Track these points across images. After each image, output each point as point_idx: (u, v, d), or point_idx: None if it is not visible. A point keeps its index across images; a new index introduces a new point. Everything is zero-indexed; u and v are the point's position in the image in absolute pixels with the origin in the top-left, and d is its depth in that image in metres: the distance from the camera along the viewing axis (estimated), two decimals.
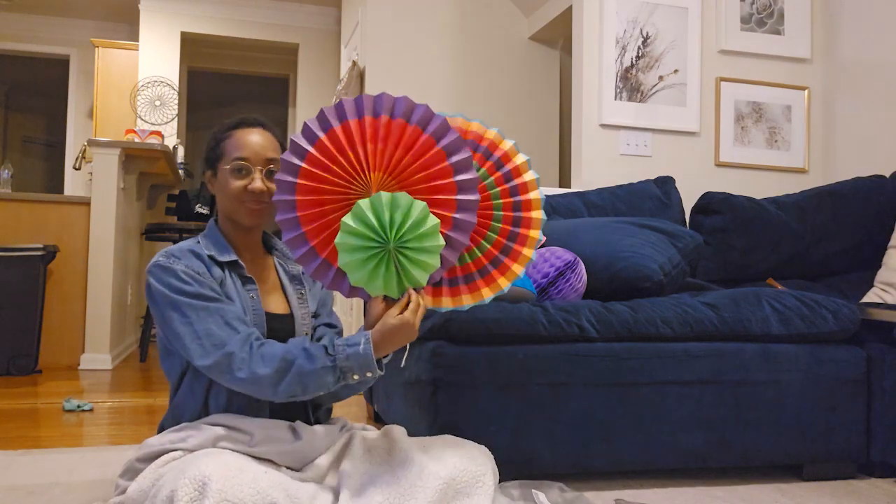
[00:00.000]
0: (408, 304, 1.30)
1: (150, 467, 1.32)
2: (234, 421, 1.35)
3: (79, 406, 2.91)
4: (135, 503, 1.28)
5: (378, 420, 2.51)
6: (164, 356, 1.47)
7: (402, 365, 1.46)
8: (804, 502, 1.84)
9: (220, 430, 1.33)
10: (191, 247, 1.44)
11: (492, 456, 1.43)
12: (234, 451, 1.30)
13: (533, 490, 1.62)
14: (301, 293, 1.55)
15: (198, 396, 1.41)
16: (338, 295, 3.41)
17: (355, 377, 1.32)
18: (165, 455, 1.33)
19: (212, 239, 1.48)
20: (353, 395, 1.50)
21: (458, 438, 1.45)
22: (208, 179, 1.51)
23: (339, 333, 1.57)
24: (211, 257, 1.43)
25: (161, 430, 1.46)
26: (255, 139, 1.44)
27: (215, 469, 1.16)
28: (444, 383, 1.80)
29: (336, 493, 1.32)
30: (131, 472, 1.37)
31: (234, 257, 1.45)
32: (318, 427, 1.44)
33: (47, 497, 1.77)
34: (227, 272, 1.44)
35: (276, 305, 1.50)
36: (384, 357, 1.36)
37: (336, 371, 1.30)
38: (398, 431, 1.47)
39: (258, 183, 1.42)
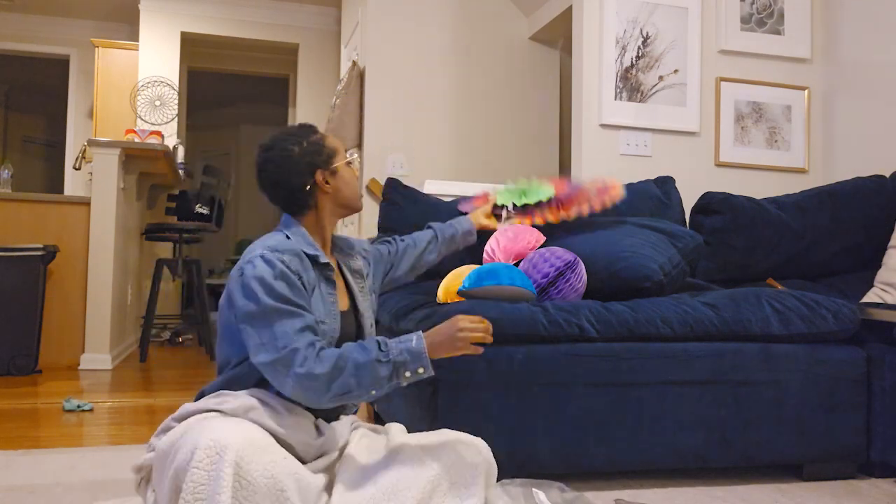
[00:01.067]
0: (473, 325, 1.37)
1: (182, 424, 1.33)
2: (270, 399, 1.36)
3: (79, 406, 2.91)
4: (163, 454, 1.29)
5: (378, 420, 2.51)
6: (226, 340, 1.46)
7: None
8: (804, 502, 1.84)
9: (254, 401, 1.34)
10: (289, 244, 1.44)
11: (488, 448, 1.44)
12: (261, 425, 1.31)
13: (533, 489, 1.62)
14: (362, 287, 1.61)
15: (255, 375, 1.42)
16: None
17: (407, 374, 1.34)
18: (199, 415, 1.34)
19: (301, 237, 1.50)
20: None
21: (454, 431, 1.46)
22: (322, 179, 1.52)
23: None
24: (310, 257, 1.46)
25: (200, 397, 1.47)
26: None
27: (241, 441, 1.19)
28: (444, 383, 1.81)
29: (335, 489, 1.34)
30: (165, 431, 1.38)
31: (326, 259, 1.49)
32: (335, 424, 1.47)
33: (47, 497, 1.77)
34: (318, 273, 1.47)
35: (343, 303, 1.55)
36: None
37: (390, 365, 1.32)
38: (395, 427, 1.49)
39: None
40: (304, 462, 1.37)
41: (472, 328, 1.35)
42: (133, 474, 1.42)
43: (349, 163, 1.57)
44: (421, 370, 1.34)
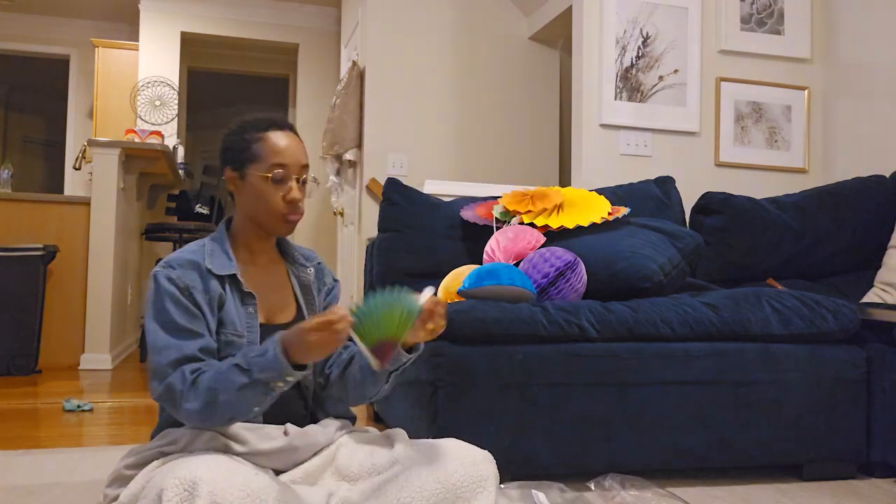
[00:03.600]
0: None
1: (141, 473, 1.29)
2: (225, 428, 1.32)
3: (79, 406, 2.91)
4: None
5: (378, 420, 2.51)
6: None
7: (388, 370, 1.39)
8: (804, 502, 1.84)
9: (210, 433, 1.30)
10: (192, 255, 1.39)
11: (494, 461, 1.42)
12: (226, 451, 1.27)
13: (532, 490, 1.62)
14: (310, 302, 1.50)
15: None
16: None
17: (280, 384, 1.25)
18: (156, 461, 1.30)
19: (218, 245, 1.42)
20: (374, 393, 1.44)
21: (460, 442, 1.42)
22: (230, 179, 1.41)
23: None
24: (209, 271, 1.37)
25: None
26: (292, 145, 1.39)
27: (206, 471, 1.13)
28: (444, 383, 1.80)
29: (329, 496, 1.30)
30: (120, 481, 1.33)
31: (233, 271, 1.39)
32: (309, 428, 1.40)
33: (47, 497, 1.77)
34: (226, 286, 1.38)
35: (284, 314, 1.45)
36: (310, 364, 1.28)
37: (258, 385, 1.23)
38: (399, 434, 1.46)
39: (296, 193, 1.38)
40: (282, 471, 1.33)
41: (322, 335, 1.20)
42: None
43: (277, 179, 1.36)
44: (290, 378, 1.24)
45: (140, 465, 1.32)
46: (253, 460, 1.29)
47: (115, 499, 1.31)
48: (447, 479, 1.31)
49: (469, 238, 2.56)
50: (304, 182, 1.41)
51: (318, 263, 1.56)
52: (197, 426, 1.29)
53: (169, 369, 1.27)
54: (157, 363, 1.29)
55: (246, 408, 1.26)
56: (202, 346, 1.31)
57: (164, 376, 1.27)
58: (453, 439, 1.43)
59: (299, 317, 1.46)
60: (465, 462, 1.35)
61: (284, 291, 1.49)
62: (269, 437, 1.33)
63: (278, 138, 1.39)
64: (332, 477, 1.37)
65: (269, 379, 1.23)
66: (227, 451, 1.28)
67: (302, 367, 1.24)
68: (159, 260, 1.40)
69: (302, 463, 1.36)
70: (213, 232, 1.51)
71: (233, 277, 1.39)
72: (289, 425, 1.37)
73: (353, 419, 1.55)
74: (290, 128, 1.44)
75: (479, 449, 1.40)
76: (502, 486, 1.63)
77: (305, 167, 1.42)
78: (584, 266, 2.12)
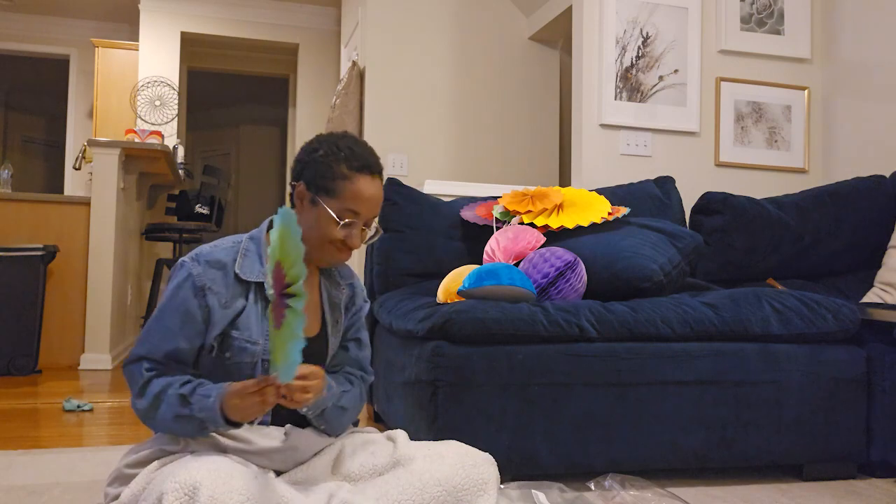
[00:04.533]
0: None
1: (142, 472, 1.29)
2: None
3: (79, 406, 2.91)
4: None
5: (378, 420, 2.51)
6: None
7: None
8: (804, 502, 1.84)
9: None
10: (223, 254, 1.36)
11: (495, 463, 1.42)
12: (225, 450, 1.28)
13: (533, 490, 1.62)
14: (337, 320, 1.48)
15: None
16: None
17: (212, 429, 1.27)
18: (156, 461, 1.30)
19: (255, 246, 1.39)
20: (348, 422, 1.45)
21: (461, 444, 1.42)
22: (299, 193, 1.37)
23: (362, 348, 1.55)
24: (236, 275, 1.35)
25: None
26: (374, 195, 1.36)
27: (206, 475, 1.13)
28: (444, 383, 1.80)
29: (330, 497, 1.30)
30: (121, 479, 1.33)
31: (261, 279, 1.35)
32: (310, 428, 1.40)
33: (47, 497, 1.77)
34: (251, 292, 1.36)
35: (308, 329, 1.39)
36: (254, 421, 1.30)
37: (194, 421, 1.26)
38: (401, 436, 1.46)
39: (357, 240, 1.36)
40: (282, 472, 1.33)
41: (249, 402, 1.22)
42: None
43: (346, 224, 1.34)
44: (221, 428, 1.26)
45: (141, 464, 1.32)
46: (253, 460, 1.30)
47: (116, 498, 1.31)
48: (448, 481, 1.31)
49: (469, 238, 2.56)
50: (368, 225, 1.39)
51: (352, 283, 1.53)
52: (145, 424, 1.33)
53: (135, 358, 1.33)
54: (136, 346, 1.34)
55: (181, 432, 1.30)
56: (171, 352, 1.32)
57: (131, 360, 1.33)
58: (454, 441, 1.43)
59: (322, 333, 1.45)
60: (466, 464, 1.35)
61: (312, 306, 1.45)
62: (269, 436, 1.33)
63: (366, 186, 1.35)
64: (333, 477, 1.37)
65: (204, 420, 1.26)
66: (227, 450, 1.29)
67: (237, 424, 1.27)
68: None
69: (302, 463, 1.36)
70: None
71: (260, 285, 1.37)
72: (290, 426, 1.37)
73: (355, 421, 1.55)
74: (380, 173, 1.40)
75: (479, 451, 1.40)
76: (502, 486, 1.63)
77: (376, 216, 1.40)
78: (584, 266, 2.12)
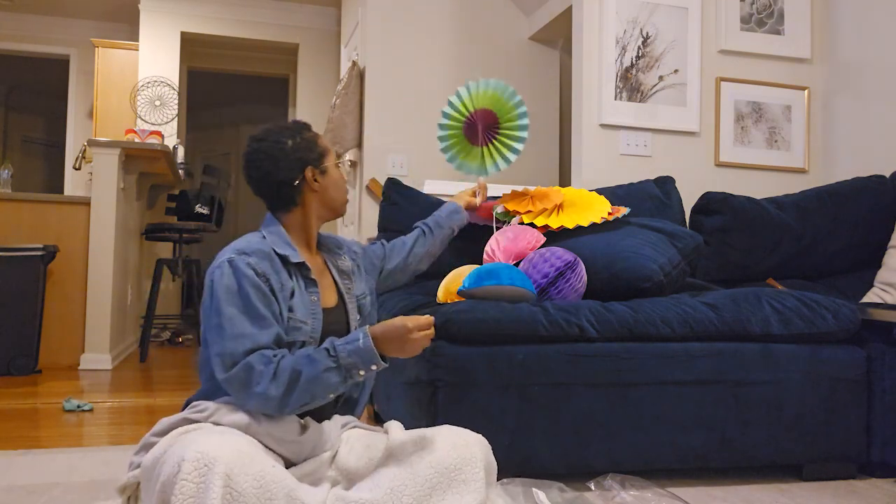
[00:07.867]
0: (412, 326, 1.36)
1: (164, 438, 1.32)
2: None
3: (79, 406, 2.91)
4: (148, 469, 1.27)
5: (378, 420, 2.51)
6: (206, 346, 1.45)
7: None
8: (804, 502, 1.84)
9: (232, 409, 1.35)
10: (261, 244, 1.44)
11: (487, 443, 1.44)
12: (246, 430, 1.31)
13: (534, 489, 1.62)
14: (349, 287, 1.60)
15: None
16: None
17: (361, 373, 1.34)
18: (181, 427, 1.34)
19: (278, 237, 1.49)
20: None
21: (454, 427, 1.45)
22: (310, 179, 1.52)
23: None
24: (281, 257, 1.45)
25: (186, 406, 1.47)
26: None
27: (228, 452, 1.17)
28: (444, 383, 1.81)
29: (328, 491, 1.33)
30: (146, 448, 1.37)
31: (302, 259, 1.48)
32: (325, 424, 1.46)
33: (47, 497, 1.77)
34: (293, 274, 1.46)
35: (329, 299, 1.54)
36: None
37: (341, 370, 1.33)
38: (394, 426, 1.48)
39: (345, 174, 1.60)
40: (293, 464, 1.37)
41: (424, 336, 1.36)
42: (118, 496, 1.39)
43: (338, 165, 1.58)
44: (374, 367, 1.35)
45: (166, 432, 1.36)
46: (267, 443, 1.33)
47: (140, 465, 1.34)
48: (440, 463, 1.35)
49: (469, 238, 2.55)
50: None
51: (342, 247, 1.69)
52: (262, 410, 1.33)
53: (243, 357, 1.32)
54: (233, 350, 1.33)
55: (323, 392, 1.34)
56: (276, 337, 1.37)
57: (239, 358, 1.32)
58: (447, 426, 1.45)
59: (340, 301, 1.57)
60: (458, 444, 1.39)
61: (328, 278, 1.58)
62: (290, 429, 1.38)
63: (320, 135, 1.58)
64: (332, 472, 1.41)
65: (353, 365, 1.33)
66: (248, 428, 1.32)
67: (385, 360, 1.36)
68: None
69: (311, 457, 1.40)
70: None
71: (300, 265, 1.47)
72: (308, 419, 1.43)
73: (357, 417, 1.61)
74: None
75: (471, 432, 1.43)
76: (505, 481, 1.64)
77: None
78: (583, 266, 2.11)
